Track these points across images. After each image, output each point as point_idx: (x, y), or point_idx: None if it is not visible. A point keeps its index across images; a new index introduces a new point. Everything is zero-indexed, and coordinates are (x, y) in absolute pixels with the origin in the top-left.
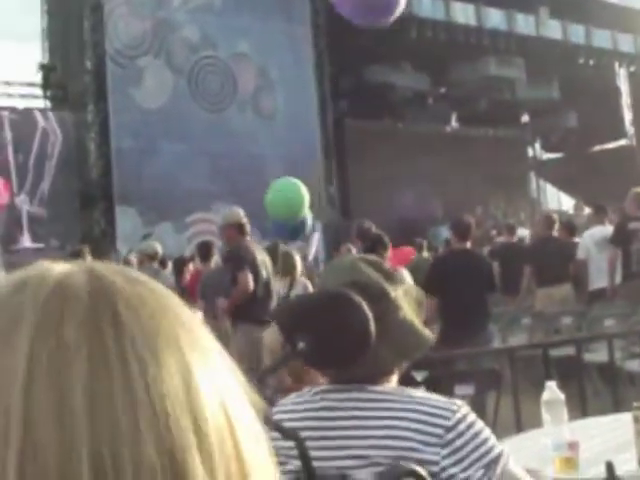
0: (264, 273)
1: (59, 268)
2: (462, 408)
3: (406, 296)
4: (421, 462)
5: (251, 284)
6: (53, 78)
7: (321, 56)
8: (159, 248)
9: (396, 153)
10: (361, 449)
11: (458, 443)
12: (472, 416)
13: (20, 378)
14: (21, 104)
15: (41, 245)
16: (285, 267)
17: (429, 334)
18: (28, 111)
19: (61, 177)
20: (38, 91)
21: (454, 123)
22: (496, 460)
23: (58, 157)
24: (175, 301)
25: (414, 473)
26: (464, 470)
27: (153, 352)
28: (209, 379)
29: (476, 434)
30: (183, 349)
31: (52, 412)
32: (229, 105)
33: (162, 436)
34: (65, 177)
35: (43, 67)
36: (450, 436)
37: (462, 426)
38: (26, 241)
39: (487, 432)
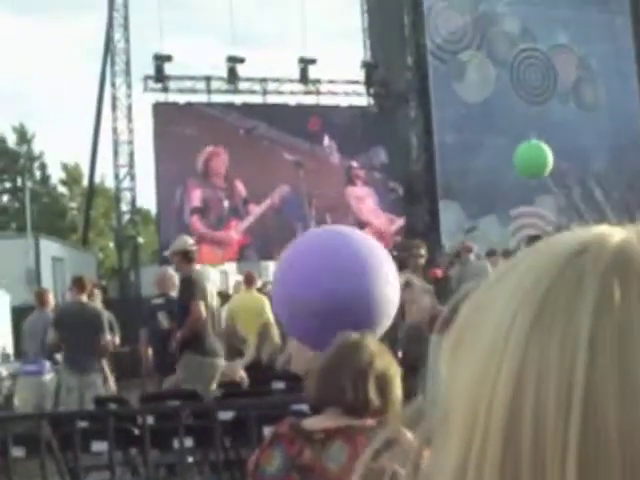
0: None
1: (619, 234)
2: None
3: None
4: None
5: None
6: (376, 75)
7: None
8: None
9: None
10: None
11: None
12: None
13: (583, 351)
14: (344, 102)
15: None
16: None
17: None
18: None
19: None
20: (361, 88)
21: None
22: None
23: None
24: None
25: None
26: None
27: None
28: None
29: None
30: None
31: (614, 393)
32: (550, 97)
33: None
34: None
35: (366, 65)
36: None
37: None
38: None
39: None
